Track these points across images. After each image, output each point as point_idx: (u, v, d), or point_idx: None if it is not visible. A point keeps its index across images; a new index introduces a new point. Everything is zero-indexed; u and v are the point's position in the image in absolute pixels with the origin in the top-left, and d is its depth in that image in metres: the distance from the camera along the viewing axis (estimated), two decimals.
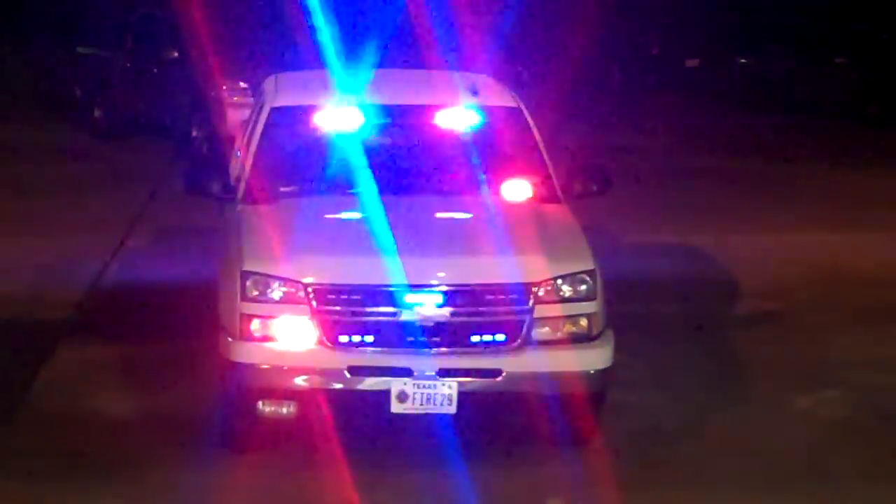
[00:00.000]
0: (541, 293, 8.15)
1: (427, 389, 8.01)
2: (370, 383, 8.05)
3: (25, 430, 8.93)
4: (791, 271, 13.55)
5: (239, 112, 15.16)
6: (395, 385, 8.01)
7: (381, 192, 9.09)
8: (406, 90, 10.52)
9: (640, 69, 28.92)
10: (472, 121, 9.70)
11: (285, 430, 8.47)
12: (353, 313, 8.06)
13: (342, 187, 9.24)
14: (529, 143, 9.74)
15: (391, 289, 8.04)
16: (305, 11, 16.22)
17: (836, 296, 12.70)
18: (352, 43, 12.67)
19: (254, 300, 8.12)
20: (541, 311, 8.14)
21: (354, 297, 8.06)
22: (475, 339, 8.10)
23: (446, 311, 8.04)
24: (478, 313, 8.09)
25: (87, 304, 11.77)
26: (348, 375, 8.02)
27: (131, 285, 12.42)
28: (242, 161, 9.70)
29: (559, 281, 8.23)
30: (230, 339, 8.17)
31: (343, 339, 8.04)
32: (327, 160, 9.54)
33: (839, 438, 9.16)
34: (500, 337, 8.11)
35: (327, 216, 9.02)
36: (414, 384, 8.01)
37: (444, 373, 8.02)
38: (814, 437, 9.16)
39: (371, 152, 9.39)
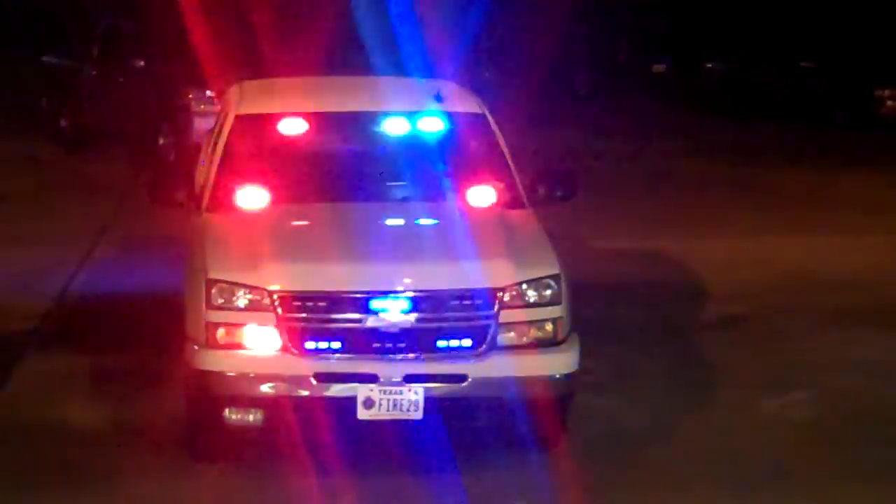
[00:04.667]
0: (506, 298, 8.15)
1: (393, 395, 8.00)
2: (336, 390, 8.04)
3: None
4: (758, 275, 13.60)
5: (205, 120, 15.14)
6: (362, 391, 8.00)
7: (346, 198, 9.11)
8: (371, 97, 10.51)
9: (607, 74, 28.98)
10: (437, 127, 9.71)
11: (252, 438, 8.45)
12: (319, 320, 8.04)
13: (307, 194, 9.25)
14: (494, 148, 9.75)
15: (357, 295, 8.03)
16: (271, 20, 16.21)
17: (804, 299, 12.75)
18: (318, 50, 12.66)
19: (219, 308, 8.10)
20: (506, 316, 8.14)
21: (320, 303, 8.05)
22: (441, 344, 8.10)
23: (412, 316, 8.04)
24: (443, 319, 8.09)
25: (54, 314, 11.73)
26: (314, 382, 8.01)
27: (99, 295, 12.38)
28: (207, 169, 9.68)
29: (524, 286, 8.23)
30: (196, 348, 8.15)
31: (309, 345, 8.03)
32: (292, 168, 9.55)
33: (806, 441, 9.19)
34: (466, 342, 8.11)
35: (292, 223, 9.02)
36: (380, 390, 8.00)
37: (411, 378, 8.01)
38: (781, 440, 9.18)
39: (336, 159, 9.40)
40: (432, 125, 9.69)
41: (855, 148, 22.51)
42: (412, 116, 9.70)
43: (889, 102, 25.37)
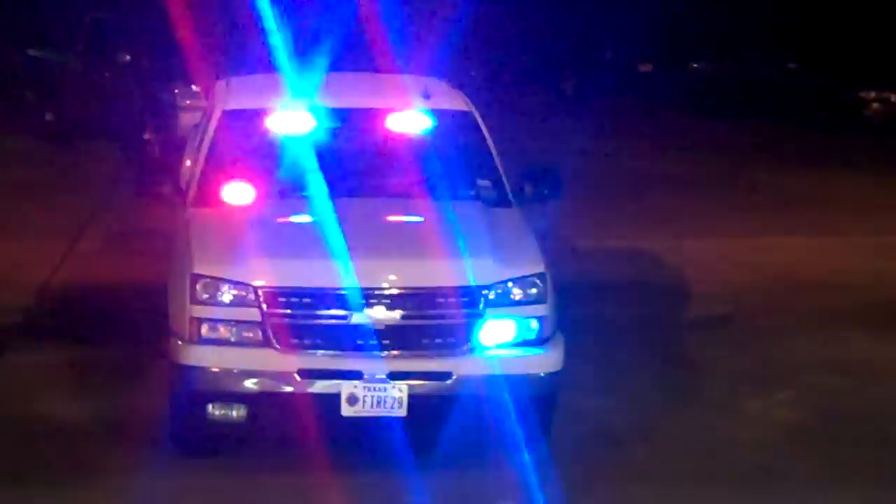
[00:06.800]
0: (491, 296, 8.15)
1: (377, 392, 8.00)
2: (320, 386, 8.03)
3: None
4: (743, 275, 13.62)
5: (191, 115, 15.10)
6: (346, 388, 7.99)
7: (332, 195, 9.08)
8: (358, 93, 10.50)
9: (594, 73, 29.00)
10: (423, 124, 9.70)
11: (236, 433, 8.42)
12: (304, 316, 8.04)
13: (293, 190, 9.23)
14: (481, 146, 9.74)
15: (342, 292, 8.02)
16: (257, 15, 16.17)
17: (788, 299, 12.78)
18: (304, 46, 12.62)
19: (204, 303, 8.09)
20: (491, 314, 8.14)
21: (305, 300, 8.04)
22: (425, 341, 8.10)
23: (397, 314, 8.04)
24: (428, 316, 8.10)
25: (36, 308, 11.67)
26: (298, 378, 8.00)
27: (82, 289, 12.33)
28: (193, 164, 9.66)
29: (509, 284, 8.23)
30: (180, 343, 8.14)
31: (293, 342, 8.02)
32: (278, 163, 9.52)
33: (789, 440, 9.22)
34: (451, 340, 8.11)
35: (278, 219, 9.00)
36: (364, 387, 7.99)
37: (395, 376, 8.01)
38: (764, 439, 9.20)
39: (322, 155, 9.37)
40: (419, 122, 9.68)
41: (840, 149, 22.57)
42: (399, 113, 9.68)
43: (874, 105, 25.46)
